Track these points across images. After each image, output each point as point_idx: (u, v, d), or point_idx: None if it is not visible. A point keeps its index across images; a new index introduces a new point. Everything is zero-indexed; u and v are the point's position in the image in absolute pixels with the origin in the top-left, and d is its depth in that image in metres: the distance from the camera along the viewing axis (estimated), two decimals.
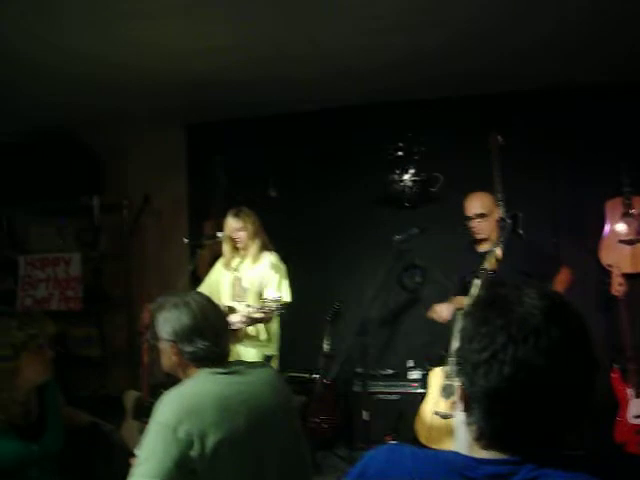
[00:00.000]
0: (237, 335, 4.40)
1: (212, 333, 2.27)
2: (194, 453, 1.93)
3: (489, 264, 4.03)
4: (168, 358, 2.29)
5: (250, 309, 4.23)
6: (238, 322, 4.25)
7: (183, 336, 2.23)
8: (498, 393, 1.11)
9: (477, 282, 4.00)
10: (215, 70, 4.91)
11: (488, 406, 1.13)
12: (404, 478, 1.20)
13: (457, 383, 1.21)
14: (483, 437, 1.16)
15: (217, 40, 4.38)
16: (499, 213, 4.61)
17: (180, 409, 1.99)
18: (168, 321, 2.26)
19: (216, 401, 2.07)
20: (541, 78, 5.28)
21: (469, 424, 1.19)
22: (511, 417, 1.12)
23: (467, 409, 1.19)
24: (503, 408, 1.12)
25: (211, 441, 1.96)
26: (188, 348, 2.22)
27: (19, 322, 2.54)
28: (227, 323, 2.61)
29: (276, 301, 4.12)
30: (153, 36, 4.26)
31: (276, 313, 4.24)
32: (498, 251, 4.07)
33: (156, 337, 2.32)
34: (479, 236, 4.43)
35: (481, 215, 4.39)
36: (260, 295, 4.39)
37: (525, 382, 1.09)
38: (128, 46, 4.42)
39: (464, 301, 4.32)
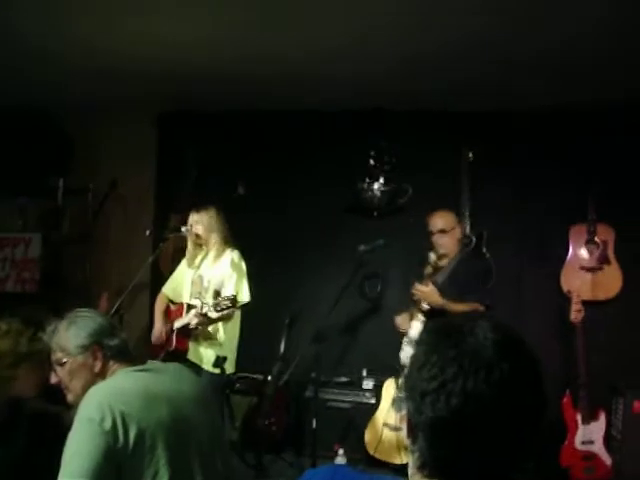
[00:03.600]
0: (194, 334, 4.36)
1: (120, 329, 2.36)
2: (119, 445, 1.92)
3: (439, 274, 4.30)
4: (88, 371, 2.24)
5: (202, 308, 4.19)
6: (193, 320, 4.21)
7: (104, 331, 2.25)
8: (444, 424, 1.09)
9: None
10: (189, 62, 4.85)
11: (433, 436, 1.11)
12: None
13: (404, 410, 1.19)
14: (426, 466, 1.14)
15: (191, 33, 4.34)
16: (463, 230, 4.68)
17: (104, 403, 1.98)
18: (81, 329, 2.26)
19: (138, 393, 2.09)
20: (513, 99, 5.31)
21: (413, 452, 1.17)
22: (455, 448, 1.10)
23: (411, 437, 1.17)
24: (448, 439, 1.10)
25: (134, 431, 1.96)
26: (112, 341, 2.24)
27: (33, 333, 2.51)
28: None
29: (230, 300, 4.07)
30: (128, 22, 4.19)
31: (229, 312, 4.19)
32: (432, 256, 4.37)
33: (61, 364, 2.27)
34: (441, 251, 4.48)
35: (442, 231, 4.47)
36: (218, 294, 4.35)
37: (472, 415, 1.07)
38: (102, 30, 4.35)
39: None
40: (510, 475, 1.13)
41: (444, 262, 4.44)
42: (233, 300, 4.07)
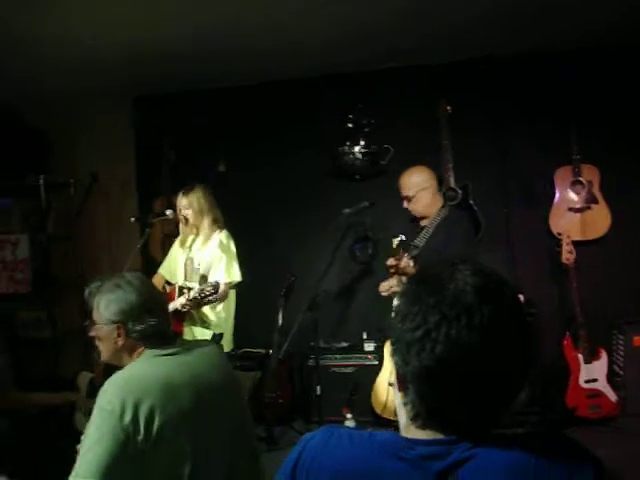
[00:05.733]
0: (186, 317, 4.35)
1: (159, 309, 2.26)
2: (140, 437, 1.92)
3: (420, 237, 4.13)
4: (112, 343, 2.23)
5: (189, 294, 4.16)
6: (181, 305, 4.18)
7: (132, 314, 2.19)
8: (431, 372, 1.09)
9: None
10: (162, 41, 4.77)
11: (422, 386, 1.12)
12: (339, 462, 1.19)
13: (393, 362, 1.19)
14: (418, 417, 1.15)
15: (163, 9, 4.24)
16: (447, 184, 4.61)
17: (125, 394, 1.96)
18: (113, 302, 2.21)
19: (161, 384, 2.05)
20: (490, 46, 5.26)
21: (405, 404, 1.17)
22: (445, 396, 1.11)
23: (402, 389, 1.17)
24: (437, 387, 1.11)
25: (157, 424, 1.95)
26: (138, 327, 2.18)
27: None
28: (167, 300, 2.58)
29: (213, 287, 4.05)
30: (98, 6, 4.10)
31: (213, 298, 4.15)
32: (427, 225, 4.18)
33: (94, 323, 2.26)
34: (415, 214, 4.38)
35: (407, 198, 4.34)
36: (205, 278, 4.32)
37: (458, 361, 1.07)
38: (70, 20, 4.28)
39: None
40: (501, 419, 1.14)
41: (426, 222, 4.30)
42: (216, 287, 4.04)
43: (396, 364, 1.17)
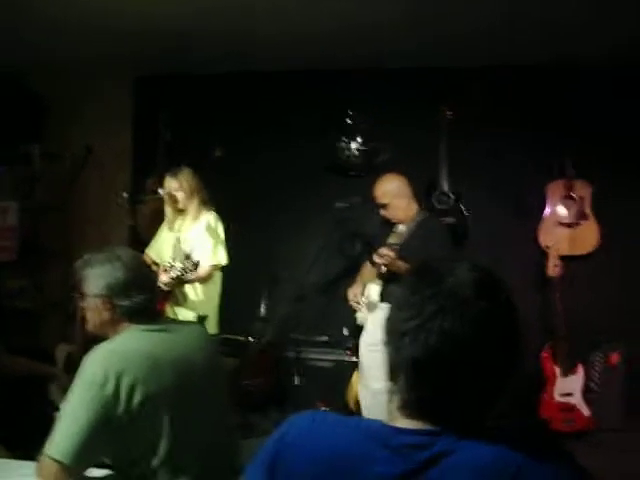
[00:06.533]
0: (171, 296, 4.35)
1: (147, 286, 2.27)
2: (120, 409, 1.93)
3: (395, 239, 4.15)
4: (98, 315, 2.23)
5: (171, 271, 4.16)
6: (165, 283, 4.18)
7: (119, 290, 2.19)
8: (423, 362, 1.11)
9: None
10: (165, 20, 4.76)
11: (412, 375, 1.14)
12: (322, 446, 1.20)
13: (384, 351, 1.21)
14: (406, 406, 1.17)
15: None
16: (440, 188, 4.63)
17: (108, 365, 1.97)
18: (100, 277, 2.21)
19: (145, 358, 2.06)
20: (493, 56, 5.29)
21: (393, 392, 1.19)
22: (434, 387, 1.13)
23: (392, 378, 1.19)
24: (427, 378, 1.13)
25: (137, 398, 1.96)
26: (124, 302, 2.19)
27: None
28: (156, 278, 2.59)
29: (193, 264, 4.06)
30: None
31: (193, 276, 4.17)
32: (402, 228, 4.22)
33: (82, 294, 2.26)
34: (392, 220, 4.42)
35: (382, 205, 4.40)
36: (188, 257, 4.32)
37: (450, 353, 1.09)
38: None
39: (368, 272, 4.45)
40: (488, 418, 1.16)
41: (402, 227, 4.33)
42: (196, 265, 4.05)
43: (388, 352, 1.19)
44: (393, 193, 4.37)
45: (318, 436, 1.23)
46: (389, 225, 4.43)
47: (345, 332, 5.46)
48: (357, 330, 4.67)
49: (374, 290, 4.33)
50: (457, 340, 1.09)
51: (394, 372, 1.18)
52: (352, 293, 4.50)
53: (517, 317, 1.17)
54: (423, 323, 1.10)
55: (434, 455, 1.09)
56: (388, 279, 4.19)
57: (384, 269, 4.15)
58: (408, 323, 1.12)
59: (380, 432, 1.17)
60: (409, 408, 1.16)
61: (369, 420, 1.24)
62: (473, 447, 1.09)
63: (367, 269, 4.57)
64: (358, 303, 4.45)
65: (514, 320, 1.17)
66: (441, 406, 1.14)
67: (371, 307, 4.35)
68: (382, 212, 4.42)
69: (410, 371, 1.14)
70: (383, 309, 4.24)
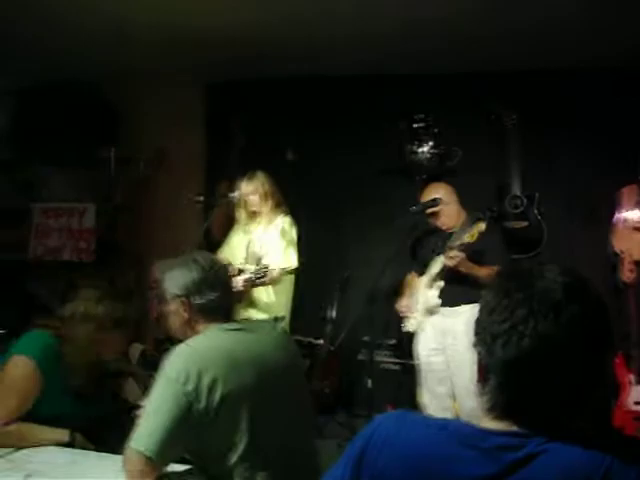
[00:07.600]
0: (242, 297, 4.42)
1: (220, 285, 2.31)
2: (201, 406, 1.96)
3: (469, 238, 4.05)
4: (178, 316, 2.29)
5: (244, 274, 4.24)
6: (240, 284, 4.25)
7: (194, 289, 2.25)
8: (515, 365, 1.13)
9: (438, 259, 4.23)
10: (235, 28, 4.89)
11: (503, 377, 1.16)
12: (409, 446, 1.22)
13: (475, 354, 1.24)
14: (495, 408, 1.19)
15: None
16: (512, 191, 4.60)
17: (190, 363, 2.01)
18: (177, 278, 2.28)
19: (225, 356, 2.10)
20: (562, 59, 5.25)
21: (483, 394, 1.21)
22: (525, 389, 1.15)
23: (482, 380, 1.21)
24: (518, 380, 1.15)
25: (218, 396, 1.98)
26: (199, 300, 2.24)
27: (125, 298, 2.61)
28: (232, 279, 2.65)
29: (264, 269, 4.14)
30: None
31: (267, 279, 4.23)
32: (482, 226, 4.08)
33: (163, 298, 2.34)
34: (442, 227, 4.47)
35: (433, 214, 4.45)
36: (260, 261, 4.39)
37: (542, 355, 1.12)
38: (148, 2, 4.42)
39: (418, 282, 4.47)
40: (575, 421, 1.17)
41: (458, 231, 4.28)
42: (266, 269, 4.13)
43: (479, 354, 1.21)
44: (443, 201, 4.41)
45: (405, 436, 1.25)
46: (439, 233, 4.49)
47: (392, 341, 5.45)
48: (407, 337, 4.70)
49: (431, 295, 4.33)
50: (551, 343, 1.11)
51: (484, 374, 1.20)
52: (403, 303, 4.53)
53: (609, 318, 1.18)
54: (515, 326, 1.13)
55: (524, 456, 1.11)
56: (449, 281, 4.24)
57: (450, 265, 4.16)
58: (501, 326, 1.14)
59: (468, 433, 1.19)
60: (498, 409, 1.18)
61: (455, 421, 1.26)
62: (562, 449, 1.10)
63: (414, 278, 4.60)
64: (410, 312, 4.47)
65: (606, 321, 1.18)
66: (530, 408, 1.15)
67: (430, 312, 4.35)
68: (432, 220, 4.48)
69: (502, 373, 1.16)
70: (443, 314, 4.33)
